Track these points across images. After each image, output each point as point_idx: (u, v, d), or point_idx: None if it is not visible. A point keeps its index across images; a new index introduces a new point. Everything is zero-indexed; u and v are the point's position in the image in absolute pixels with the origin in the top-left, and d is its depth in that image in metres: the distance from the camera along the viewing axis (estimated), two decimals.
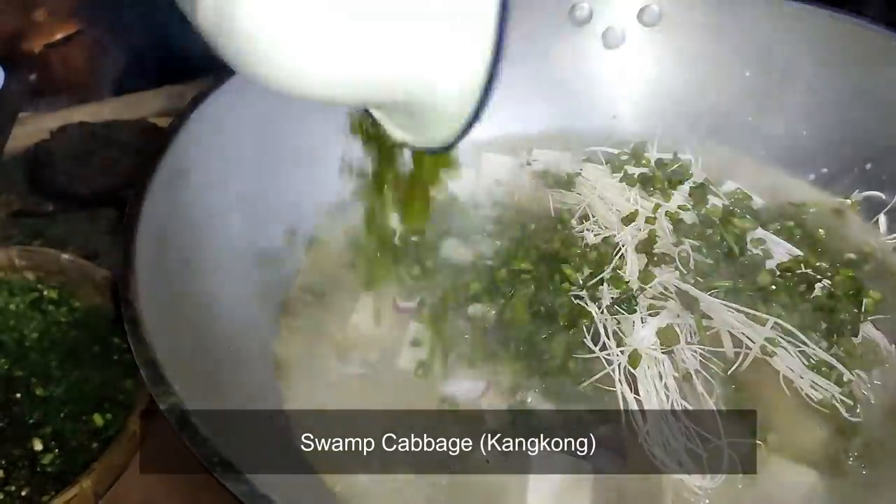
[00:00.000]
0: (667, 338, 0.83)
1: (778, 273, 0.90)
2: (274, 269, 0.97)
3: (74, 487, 0.86)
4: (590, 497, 0.76)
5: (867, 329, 0.89)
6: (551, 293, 0.87)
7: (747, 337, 0.83)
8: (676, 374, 0.82)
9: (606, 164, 1.06)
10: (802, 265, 0.92)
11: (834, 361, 0.83)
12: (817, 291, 0.90)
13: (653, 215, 0.93)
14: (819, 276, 0.91)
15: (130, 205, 0.76)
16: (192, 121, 0.88)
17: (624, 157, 1.08)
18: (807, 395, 0.82)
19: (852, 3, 1.09)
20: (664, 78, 1.21)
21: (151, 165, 0.81)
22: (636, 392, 0.81)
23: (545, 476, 0.76)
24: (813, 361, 0.82)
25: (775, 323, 0.83)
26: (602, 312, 0.85)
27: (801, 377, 0.82)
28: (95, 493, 0.89)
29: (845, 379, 0.82)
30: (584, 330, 0.85)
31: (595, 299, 0.86)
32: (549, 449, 0.76)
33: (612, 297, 0.86)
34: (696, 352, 0.84)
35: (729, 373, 0.82)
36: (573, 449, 0.76)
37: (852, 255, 1.01)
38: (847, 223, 1.07)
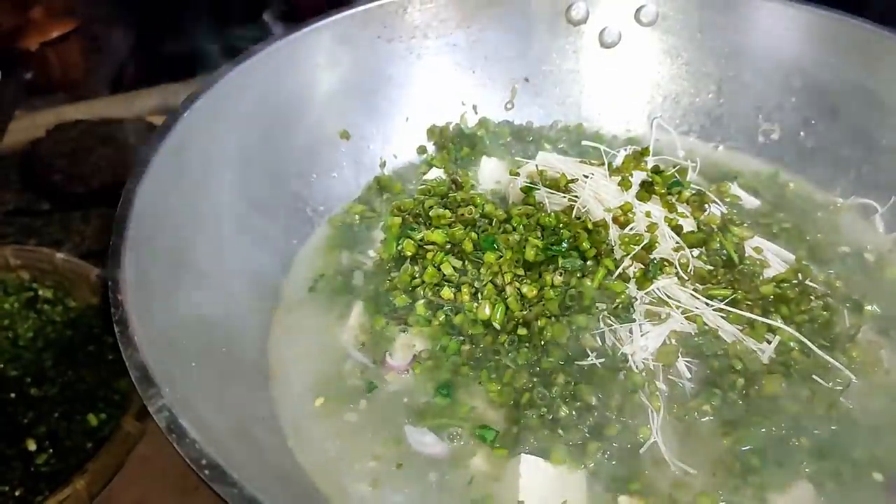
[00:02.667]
0: (665, 356, 0.83)
1: (775, 284, 0.89)
2: (267, 270, 0.97)
3: (68, 487, 0.86)
4: (584, 483, 0.76)
5: (866, 333, 0.89)
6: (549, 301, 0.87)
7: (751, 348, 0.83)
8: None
9: (602, 165, 1.05)
10: (800, 275, 0.92)
11: (839, 365, 0.83)
12: (814, 302, 0.90)
13: (654, 222, 0.93)
14: (815, 287, 0.92)
15: (121, 204, 0.76)
16: (185, 120, 0.87)
17: (622, 160, 1.07)
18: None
19: (852, 4, 1.09)
20: (661, 77, 1.21)
21: (143, 164, 0.80)
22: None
23: (537, 461, 0.76)
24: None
25: (778, 329, 0.84)
26: (599, 320, 0.84)
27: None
28: (89, 493, 0.89)
29: (855, 380, 0.83)
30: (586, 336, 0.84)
31: (593, 306, 0.86)
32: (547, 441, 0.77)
33: (609, 306, 0.85)
34: (691, 366, 0.84)
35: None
36: (569, 444, 0.77)
37: (846, 249, 1.01)
38: (844, 223, 1.07)
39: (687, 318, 0.86)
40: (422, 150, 1.17)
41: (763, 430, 0.79)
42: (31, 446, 0.94)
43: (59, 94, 1.59)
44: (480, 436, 0.81)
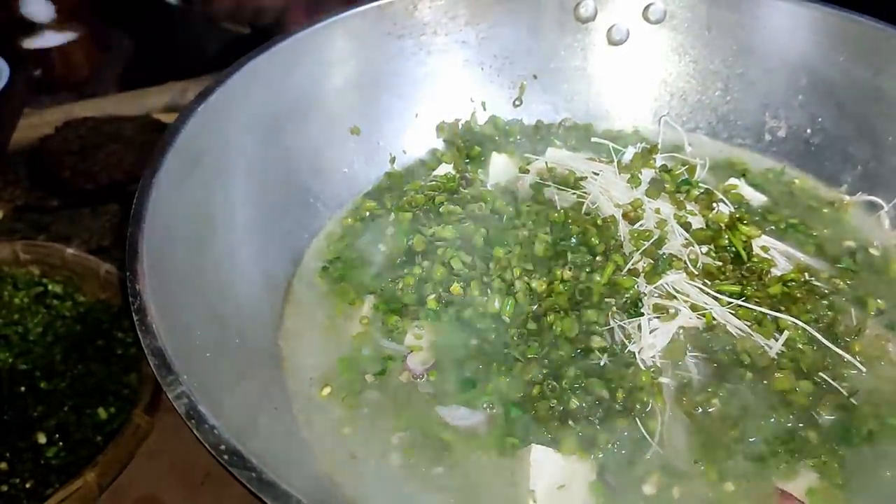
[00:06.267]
0: (673, 353, 0.84)
1: (783, 283, 0.90)
2: (279, 262, 0.97)
3: (78, 480, 0.86)
4: (593, 472, 0.77)
5: (873, 327, 0.90)
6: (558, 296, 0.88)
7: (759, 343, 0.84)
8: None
9: (611, 162, 1.06)
10: (806, 273, 0.93)
11: (849, 357, 0.84)
12: (821, 301, 0.90)
13: (663, 218, 0.94)
14: (821, 285, 0.93)
15: (138, 196, 0.77)
16: (198, 114, 0.88)
17: (631, 157, 1.07)
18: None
19: (860, 3, 1.10)
20: (669, 75, 1.22)
21: (159, 157, 0.81)
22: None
23: (547, 451, 0.77)
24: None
25: (786, 325, 0.85)
26: (608, 315, 0.85)
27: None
28: (99, 485, 0.89)
29: (864, 371, 0.84)
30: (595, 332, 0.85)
31: (602, 301, 0.86)
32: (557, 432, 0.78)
33: (618, 301, 0.86)
34: (699, 361, 0.85)
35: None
36: (580, 434, 0.78)
37: (852, 244, 1.02)
38: (850, 219, 1.08)
39: (696, 313, 0.86)
40: (434, 152, 1.18)
41: (771, 421, 0.80)
42: (42, 439, 0.94)
43: (68, 92, 1.60)
44: (507, 409, 0.82)
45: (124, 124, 1.41)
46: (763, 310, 0.86)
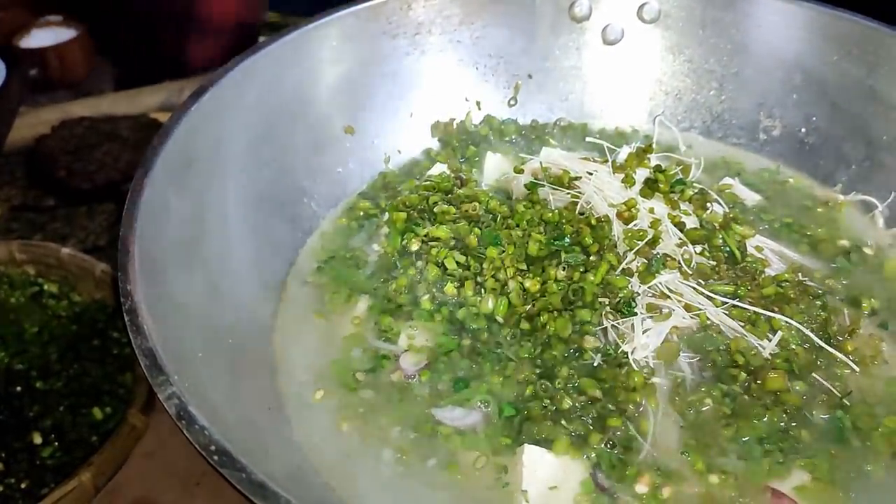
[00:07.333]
0: (666, 354, 0.84)
1: (777, 283, 0.91)
2: (272, 262, 0.98)
3: (74, 480, 0.87)
4: (586, 472, 0.77)
5: (866, 327, 0.90)
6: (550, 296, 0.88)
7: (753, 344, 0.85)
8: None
9: (606, 162, 1.06)
10: (799, 273, 0.93)
11: (843, 357, 0.84)
12: (814, 301, 0.91)
13: (657, 217, 0.94)
14: (814, 285, 0.93)
15: (130, 196, 0.77)
16: (191, 114, 0.88)
17: (626, 157, 1.08)
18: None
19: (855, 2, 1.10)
20: (663, 74, 1.22)
21: (151, 157, 0.81)
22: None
23: (539, 451, 0.77)
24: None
25: (780, 325, 0.85)
26: (602, 315, 0.85)
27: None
28: (95, 485, 0.89)
29: (857, 370, 0.84)
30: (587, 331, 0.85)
31: (596, 301, 0.86)
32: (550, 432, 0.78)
33: (611, 301, 0.86)
34: (693, 361, 0.85)
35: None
36: (572, 434, 0.78)
37: (846, 243, 1.03)
38: (844, 219, 1.08)
39: (689, 313, 0.86)
40: (428, 151, 1.19)
41: (764, 420, 0.80)
42: (37, 439, 0.94)
43: (64, 91, 1.60)
44: (501, 408, 0.82)
45: (120, 123, 1.41)
46: (757, 310, 0.86)
